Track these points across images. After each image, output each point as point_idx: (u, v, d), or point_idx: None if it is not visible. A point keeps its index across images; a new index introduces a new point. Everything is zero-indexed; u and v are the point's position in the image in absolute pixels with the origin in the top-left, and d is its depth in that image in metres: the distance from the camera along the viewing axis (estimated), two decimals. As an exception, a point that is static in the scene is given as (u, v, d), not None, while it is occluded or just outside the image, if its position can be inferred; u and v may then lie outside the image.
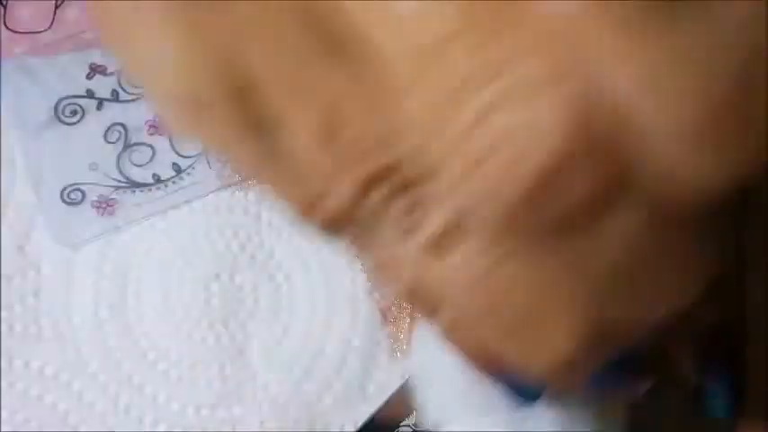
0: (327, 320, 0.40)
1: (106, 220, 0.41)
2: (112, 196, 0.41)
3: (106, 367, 0.39)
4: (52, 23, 0.43)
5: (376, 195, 0.20)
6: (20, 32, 0.43)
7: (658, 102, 0.17)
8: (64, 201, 0.41)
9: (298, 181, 0.21)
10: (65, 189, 0.41)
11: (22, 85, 0.42)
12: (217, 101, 0.20)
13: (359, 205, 0.20)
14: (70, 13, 0.44)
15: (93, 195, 0.41)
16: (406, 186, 0.20)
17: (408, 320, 0.40)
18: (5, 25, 0.43)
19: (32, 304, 0.40)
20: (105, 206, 0.41)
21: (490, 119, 0.17)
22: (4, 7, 0.43)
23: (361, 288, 0.40)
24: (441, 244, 0.20)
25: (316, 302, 0.40)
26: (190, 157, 0.41)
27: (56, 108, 0.42)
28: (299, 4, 0.19)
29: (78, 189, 0.41)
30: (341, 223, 0.21)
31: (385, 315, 0.40)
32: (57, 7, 0.44)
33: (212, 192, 0.41)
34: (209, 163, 0.41)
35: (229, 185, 0.41)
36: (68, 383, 0.39)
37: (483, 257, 0.19)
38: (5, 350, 0.39)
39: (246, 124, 0.20)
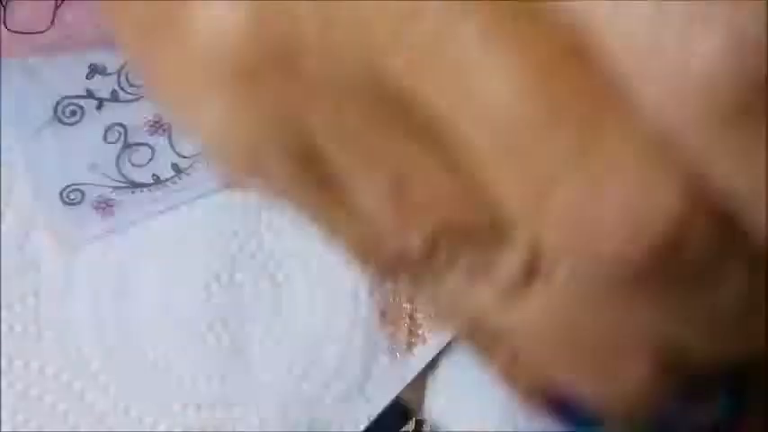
0: (327, 320, 0.40)
1: (106, 221, 0.40)
2: (112, 196, 0.41)
3: (106, 367, 0.39)
4: (52, 23, 0.43)
5: (446, 247, 0.20)
6: (21, 32, 0.43)
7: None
8: (63, 201, 0.40)
9: (364, 231, 0.20)
10: (64, 189, 0.41)
11: (21, 86, 0.41)
12: (277, 156, 0.19)
13: (428, 256, 0.20)
14: (70, 13, 0.43)
15: (92, 195, 0.41)
16: (478, 242, 0.19)
17: (408, 321, 0.40)
18: (5, 25, 0.43)
19: (32, 304, 0.40)
20: (105, 206, 0.41)
21: (597, 192, 0.17)
22: (5, 7, 0.43)
23: (362, 288, 0.40)
24: (513, 291, 0.19)
25: (316, 302, 0.40)
26: (189, 157, 0.41)
27: (55, 108, 0.41)
28: (371, 80, 0.18)
29: (78, 189, 0.41)
30: (406, 270, 0.21)
31: (385, 315, 0.40)
32: (57, 7, 0.43)
33: (212, 192, 0.41)
34: (208, 163, 0.41)
35: (230, 185, 0.41)
36: (68, 383, 0.39)
37: (568, 305, 0.19)
38: (5, 350, 0.39)
39: (309, 179, 0.20)
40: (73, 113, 0.41)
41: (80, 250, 0.40)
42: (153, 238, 0.41)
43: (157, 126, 0.41)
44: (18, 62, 0.42)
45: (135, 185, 0.41)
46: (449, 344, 0.39)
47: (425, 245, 0.20)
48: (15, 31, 0.43)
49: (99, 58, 0.42)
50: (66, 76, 0.42)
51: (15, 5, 0.43)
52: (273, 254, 0.41)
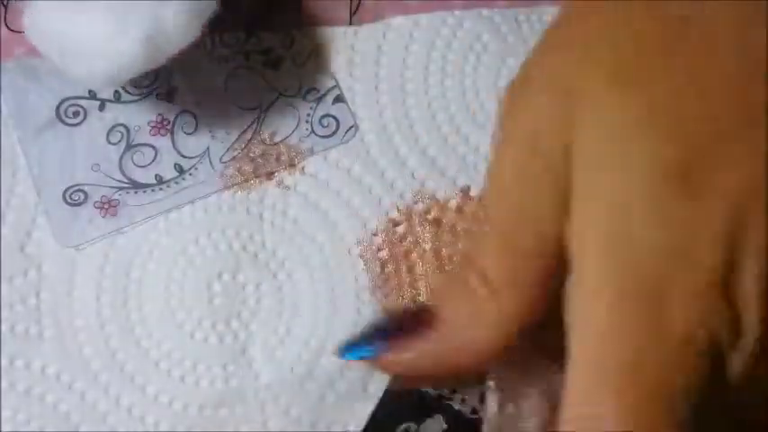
0: (330, 320, 0.40)
1: (108, 221, 0.40)
2: (115, 197, 0.41)
3: (108, 367, 0.39)
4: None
5: None
6: (21, 32, 0.43)
7: None
8: (66, 202, 0.40)
9: None
10: (67, 190, 0.40)
11: (23, 86, 0.41)
12: None
13: None
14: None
15: (95, 196, 0.40)
16: None
17: None
18: (6, 25, 0.43)
19: (34, 304, 0.39)
20: (107, 207, 0.40)
21: None
22: (5, 7, 0.43)
23: (364, 288, 0.40)
24: None
25: (318, 302, 0.40)
26: (192, 157, 0.41)
27: (57, 109, 0.41)
28: None
29: (80, 190, 0.41)
30: None
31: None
32: (58, 7, 0.43)
33: (215, 192, 0.41)
34: (211, 163, 0.41)
35: (232, 186, 0.41)
36: (70, 384, 0.39)
37: None
38: (7, 350, 0.39)
39: None
40: (75, 114, 0.41)
41: (82, 250, 0.40)
42: (155, 238, 0.41)
43: (160, 127, 0.41)
44: (19, 62, 0.42)
45: (138, 186, 0.41)
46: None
47: None
48: (16, 31, 0.42)
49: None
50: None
51: (16, 5, 0.42)
52: (276, 254, 0.40)
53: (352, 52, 0.43)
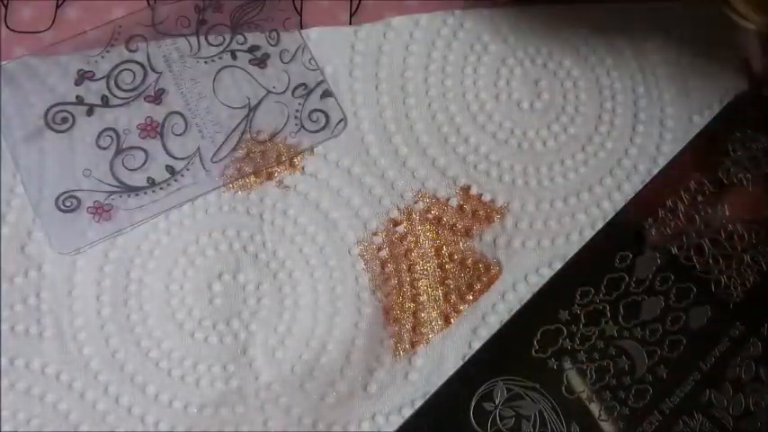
0: (330, 320, 0.41)
1: (103, 226, 0.41)
2: (108, 202, 0.41)
3: (108, 367, 0.40)
4: (53, 24, 0.44)
5: None
6: (21, 32, 0.44)
7: None
8: (59, 208, 0.41)
9: None
10: (59, 197, 0.41)
11: (20, 87, 0.42)
12: None
13: None
14: (71, 12, 0.44)
15: (88, 202, 0.41)
16: None
17: (411, 320, 0.41)
18: (6, 25, 0.44)
19: (34, 304, 0.40)
20: (101, 212, 0.41)
21: None
22: (6, 7, 0.44)
23: (364, 288, 0.41)
24: None
25: (318, 302, 0.41)
26: (183, 158, 0.42)
27: (45, 115, 0.42)
28: None
29: (73, 196, 0.41)
30: None
31: (387, 314, 0.41)
32: (57, 7, 0.44)
33: (208, 192, 0.42)
34: (202, 163, 0.42)
35: (226, 185, 0.42)
36: (70, 383, 0.39)
37: None
38: (7, 349, 0.40)
39: None
40: (63, 120, 0.42)
41: (82, 251, 0.41)
42: (155, 238, 0.41)
43: (149, 129, 0.42)
44: (19, 62, 0.42)
45: (130, 189, 0.41)
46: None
47: None
48: (16, 31, 0.43)
49: (85, 63, 0.43)
50: (55, 82, 0.42)
51: (16, 5, 0.44)
52: (276, 253, 0.41)
53: (352, 52, 0.44)
